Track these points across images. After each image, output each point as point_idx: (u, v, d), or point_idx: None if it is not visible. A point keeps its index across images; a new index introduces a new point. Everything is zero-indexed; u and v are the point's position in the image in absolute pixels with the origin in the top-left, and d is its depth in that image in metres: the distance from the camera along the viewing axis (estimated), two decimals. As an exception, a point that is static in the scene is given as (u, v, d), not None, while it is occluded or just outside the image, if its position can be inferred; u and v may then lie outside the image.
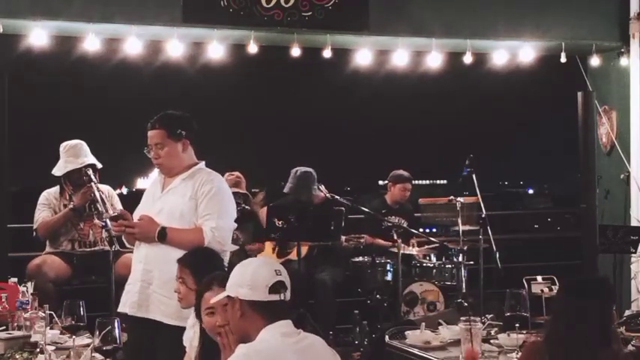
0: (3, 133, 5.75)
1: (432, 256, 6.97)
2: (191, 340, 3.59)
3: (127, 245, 4.53)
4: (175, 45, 6.29)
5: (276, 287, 2.82)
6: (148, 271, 4.14)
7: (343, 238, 6.64)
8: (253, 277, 2.84)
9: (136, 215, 4.26)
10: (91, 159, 5.66)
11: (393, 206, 7.15)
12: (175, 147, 4.18)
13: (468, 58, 6.94)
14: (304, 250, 6.35)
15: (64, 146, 5.66)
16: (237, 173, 6.33)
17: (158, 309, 4.10)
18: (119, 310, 4.18)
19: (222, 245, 4.05)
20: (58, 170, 5.67)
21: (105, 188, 5.60)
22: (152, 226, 4.09)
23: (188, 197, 4.14)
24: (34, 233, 5.74)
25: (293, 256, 6.54)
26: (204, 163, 4.31)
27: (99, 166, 5.65)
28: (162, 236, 4.06)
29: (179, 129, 4.19)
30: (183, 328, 3.97)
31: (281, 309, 2.85)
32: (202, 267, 3.61)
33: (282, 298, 2.83)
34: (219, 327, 3.08)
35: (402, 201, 7.19)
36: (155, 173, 4.40)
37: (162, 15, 6.11)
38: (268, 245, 6.55)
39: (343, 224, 6.38)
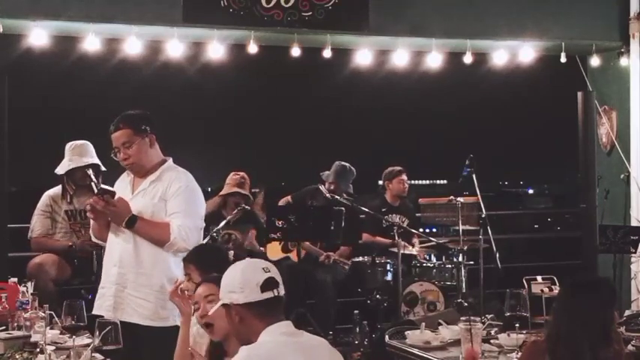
0: (2, 133, 5.74)
1: (432, 256, 6.98)
2: (194, 335, 3.61)
3: (93, 239, 4.52)
4: (175, 45, 6.29)
5: (268, 284, 2.81)
6: (122, 274, 4.17)
7: (333, 256, 6.65)
8: (243, 278, 2.82)
9: None
10: (96, 160, 5.61)
11: (393, 204, 7.17)
12: (144, 143, 4.20)
13: (468, 58, 6.94)
14: (303, 251, 6.36)
15: (70, 145, 5.62)
16: (242, 174, 6.34)
17: (134, 311, 4.13)
18: (94, 312, 4.18)
19: (186, 244, 4.07)
20: (61, 168, 5.62)
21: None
22: (126, 210, 4.13)
23: (158, 198, 4.18)
24: (29, 239, 5.73)
25: (294, 254, 6.56)
26: (171, 159, 4.33)
27: (103, 168, 5.62)
28: (132, 223, 4.10)
29: (143, 125, 4.22)
30: (162, 329, 4.01)
31: (277, 306, 2.83)
32: (206, 260, 3.63)
33: (276, 294, 2.82)
34: (201, 318, 3.18)
35: (403, 195, 7.21)
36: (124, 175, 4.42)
37: (162, 15, 6.11)
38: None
39: (343, 224, 6.39)
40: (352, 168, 6.86)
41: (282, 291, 2.84)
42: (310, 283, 6.47)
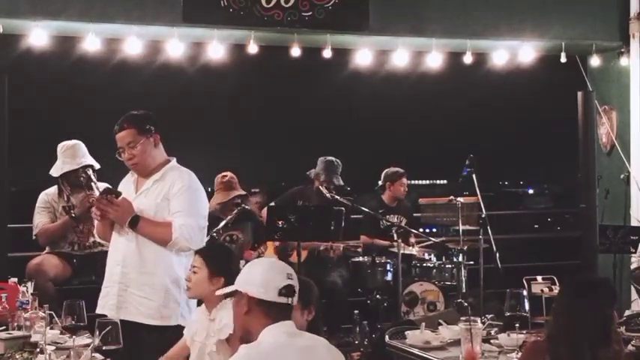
0: (3, 133, 5.74)
1: (432, 256, 6.97)
2: (194, 334, 3.62)
3: (96, 238, 4.52)
4: (175, 45, 6.29)
5: (286, 291, 2.84)
6: (125, 273, 4.18)
7: (341, 247, 6.62)
8: (266, 277, 2.86)
9: None
10: (89, 160, 5.61)
11: (390, 205, 7.16)
12: (148, 143, 4.21)
13: (468, 58, 6.95)
14: (304, 254, 6.33)
15: (62, 146, 5.62)
16: (229, 174, 6.24)
17: (137, 310, 4.13)
18: (97, 311, 4.19)
19: (188, 243, 4.08)
20: (55, 171, 5.64)
21: (104, 187, 5.57)
22: (129, 210, 4.14)
23: (161, 198, 4.19)
24: (35, 238, 5.73)
25: (293, 259, 6.52)
26: (175, 160, 4.34)
27: (97, 166, 5.61)
28: (134, 223, 4.11)
29: (147, 125, 4.23)
30: (164, 328, 4.02)
31: (286, 312, 2.86)
32: (217, 260, 3.64)
33: (290, 302, 2.85)
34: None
35: (402, 197, 7.20)
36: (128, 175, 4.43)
37: (163, 15, 6.11)
38: (270, 246, 6.55)
39: (343, 224, 6.39)
40: (338, 160, 6.73)
41: (294, 301, 2.88)
42: (321, 285, 6.42)
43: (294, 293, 2.86)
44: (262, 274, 2.87)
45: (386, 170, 7.22)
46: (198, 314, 3.74)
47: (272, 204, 6.59)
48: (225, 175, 6.23)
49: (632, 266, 6.78)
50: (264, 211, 6.55)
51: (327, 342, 2.93)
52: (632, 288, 6.79)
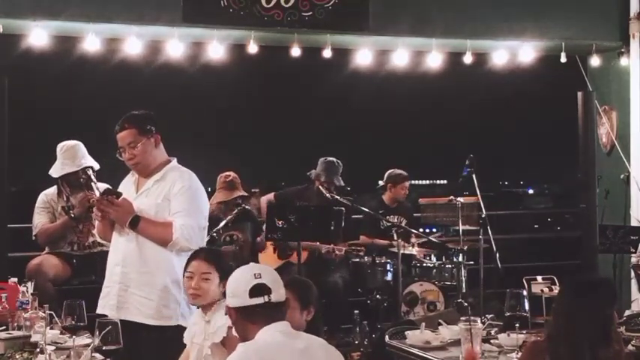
0: (3, 133, 5.75)
1: (432, 256, 6.97)
2: (192, 336, 3.62)
3: (97, 237, 4.53)
4: (175, 45, 6.29)
5: (257, 290, 2.82)
6: (125, 273, 4.18)
7: (343, 250, 6.61)
8: (234, 284, 2.88)
9: None
10: (89, 161, 5.61)
11: (391, 206, 7.16)
12: (149, 143, 4.22)
13: (468, 58, 6.95)
14: (304, 255, 6.32)
15: (61, 147, 5.61)
16: (232, 174, 6.24)
17: (138, 310, 4.14)
18: (98, 311, 4.19)
19: (189, 243, 4.08)
20: (54, 172, 5.64)
21: (103, 187, 5.57)
22: (130, 211, 4.14)
23: (162, 198, 4.19)
24: (34, 238, 5.73)
25: (294, 259, 6.51)
26: (175, 160, 4.34)
27: (96, 167, 5.61)
28: (135, 223, 4.12)
29: (148, 125, 4.24)
30: (165, 328, 4.01)
31: (271, 312, 2.84)
32: (225, 265, 3.65)
33: (267, 300, 2.82)
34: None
35: (403, 199, 7.21)
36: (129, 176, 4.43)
37: (163, 15, 6.11)
38: (269, 246, 6.55)
39: (343, 224, 6.38)
40: (339, 161, 6.72)
41: (275, 297, 2.85)
42: (321, 286, 6.41)
43: (269, 290, 2.83)
44: (232, 283, 2.90)
45: (390, 171, 7.20)
46: (195, 317, 3.74)
47: (272, 196, 6.59)
48: (229, 175, 6.23)
49: (632, 262, 6.78)
50: (263, 200, 6.55)
51: (325, 342, 2.92)
52: (632, 282, 6.80)
